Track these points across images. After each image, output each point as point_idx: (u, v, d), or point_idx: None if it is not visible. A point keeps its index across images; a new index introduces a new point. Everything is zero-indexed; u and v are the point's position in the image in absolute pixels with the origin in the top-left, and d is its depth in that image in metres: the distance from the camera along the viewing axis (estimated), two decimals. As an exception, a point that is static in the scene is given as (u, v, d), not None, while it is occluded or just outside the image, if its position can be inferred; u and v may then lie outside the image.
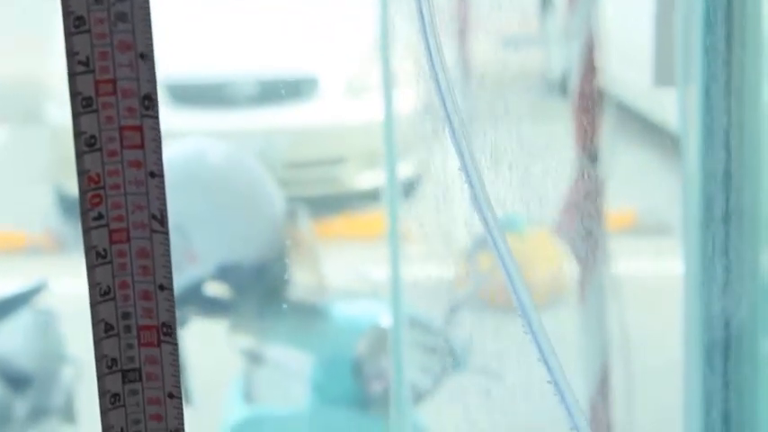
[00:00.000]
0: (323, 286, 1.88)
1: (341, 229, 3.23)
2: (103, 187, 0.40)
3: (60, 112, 3.25)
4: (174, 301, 0.40)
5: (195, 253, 1.71)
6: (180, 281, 1.72)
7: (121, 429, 0.40)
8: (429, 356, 1.80)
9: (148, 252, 0.40)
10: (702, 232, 1.15)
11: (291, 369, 1.83)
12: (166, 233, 0.41)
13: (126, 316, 0.40)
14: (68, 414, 2.26)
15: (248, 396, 1.87)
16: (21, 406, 2.15)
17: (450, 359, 1.81)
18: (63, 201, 3.32)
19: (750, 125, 1.12)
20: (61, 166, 3.25)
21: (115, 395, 0.41)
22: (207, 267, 1.72)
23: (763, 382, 1.19)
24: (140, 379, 0.41)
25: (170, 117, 3.19)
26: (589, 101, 1.77)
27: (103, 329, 0.40)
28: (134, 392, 0.41)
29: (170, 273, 0.40)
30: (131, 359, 0.40)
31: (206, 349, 1.84)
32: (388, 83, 1.78)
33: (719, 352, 1.16)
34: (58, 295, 2.23)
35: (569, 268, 2.59)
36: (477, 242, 2.07)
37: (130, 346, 0.40)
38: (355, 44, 3.49)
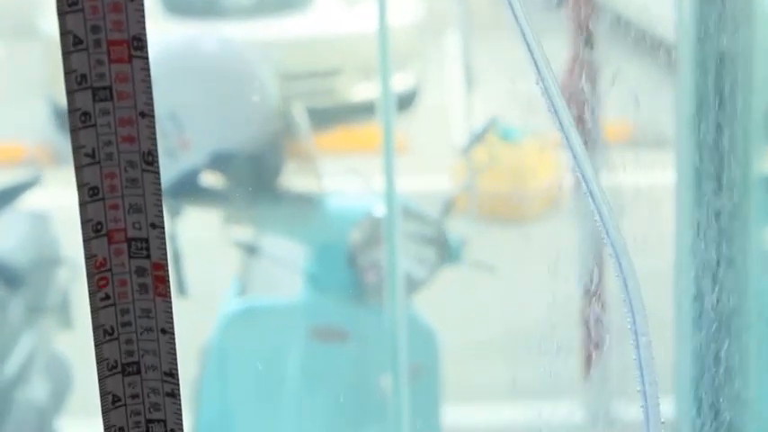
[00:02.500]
0: (321, 185, 1.88)
1: (337, 142, 3.22)
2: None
3: (53, 25, 3.22)
4: (144, 12, 0.39)
5: (188, 140, 1.70)
6: (173, 170, 1.71)
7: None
8: (424, 247, 1.79)
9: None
10: (695, 142, 1.15)
11: (286, 260, 1.83)
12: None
13: (95, 30, 0.39)
14: (64, 315, 2.26)
15: (243, 287, 1.87)
16: (15, 305, 2.15)
17: (445, 250, 1.80)
18: (58, 114, 3.31)
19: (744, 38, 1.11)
20: (56, 80, 3.23)
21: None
22: (200, 155, 1.71)
23: (753, 266, 1.19)
24: (111, 98, 0.40)
25: (164, 27, 3.16)
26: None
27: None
28: (105, 112, 0.40)
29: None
30: (101, 76, 0.40)
31: (201, 241, 1.83)
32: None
33: (712, 247, 1.16)
34: (55, 208, 2.23)
35: (567, 178, 2.58)
36: (473, 137, 2.06)
37: (100, 63, 0.39)
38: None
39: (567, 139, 0.60)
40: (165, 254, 0.41)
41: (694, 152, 1.18)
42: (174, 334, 0.42)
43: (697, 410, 1.15)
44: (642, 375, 0.62)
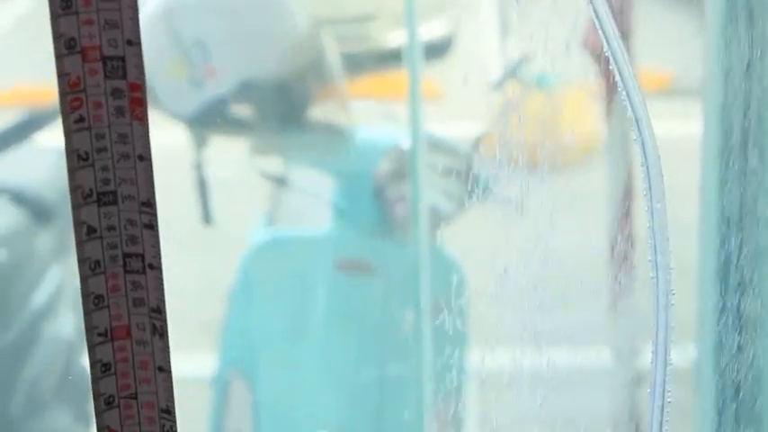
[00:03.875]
0: (349, 117, 1.85)
1: (369, 88, 3.19)
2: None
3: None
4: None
5: (214, 68, 1.68)
6: (200, 98, 1.69)
7: None
8: (453, 181, 1.77)
9: None
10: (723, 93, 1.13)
11: (313, 191, 1.82)
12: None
13: None
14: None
15: (271, 219, 1.85)
16: (44, 238, 2.14)
17: (474, 185, 1.78)
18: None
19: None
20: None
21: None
22: (227, 83, 1.70)
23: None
24: None
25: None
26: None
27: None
28: None
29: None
30: None
31: (228, 171, 1.82)
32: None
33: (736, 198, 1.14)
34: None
35: (601, 127, 2.55)
36: (506, 71, 2.03)
37: None
38: None
39: (623, 83, 0.60)
40: (143, 74, 0.40)
41: (721, 102, 1.16)
42: (151, 162, 0.40)
43: (718, 350, 1.13)
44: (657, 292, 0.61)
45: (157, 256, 0.41)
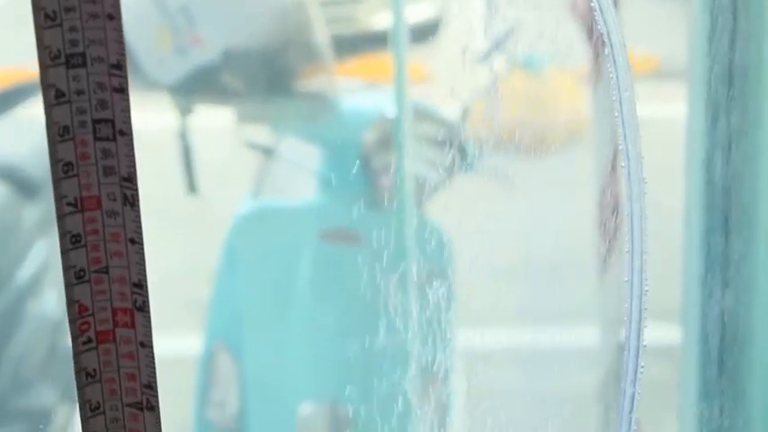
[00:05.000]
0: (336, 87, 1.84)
1: (356, 70, 3.18)
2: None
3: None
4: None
5: (200, 36, 1.67)
6: (185, 66, 1.68)
7: None
8: (439, 150, 1.76)
9: None
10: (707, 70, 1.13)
11: (300, 162, 1.81)
12: None
13: None
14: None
15: (257, 189, 1.84)
16: (29, 213, 2.13)
17: (461, 155, 1.77)
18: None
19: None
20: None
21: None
22: (212, 51, 1.69)
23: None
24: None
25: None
26: None
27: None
28: None
29: None
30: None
31: (214, 141, 1.81)
32: None
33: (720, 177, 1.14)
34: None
35: (588, 108, 2.54)
36: (492, 44, 2.02)
37: None
38: None
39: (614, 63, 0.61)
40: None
41: (706, 81, 1.15)
42: (121, 21, 0.39)
43: (705, 297, 1.13)
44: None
45: (128, 121, 0.40)
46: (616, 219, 1.81)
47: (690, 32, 1.21)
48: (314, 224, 1.76)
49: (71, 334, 0.42)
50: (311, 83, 1.78)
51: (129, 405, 0.43)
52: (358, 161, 1.73)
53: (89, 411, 0.43)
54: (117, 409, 0.43)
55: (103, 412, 0.43)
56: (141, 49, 1.67)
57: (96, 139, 0.40)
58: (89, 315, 0.42)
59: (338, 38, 3.30)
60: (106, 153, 0.40)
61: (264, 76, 1.75)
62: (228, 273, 1.77)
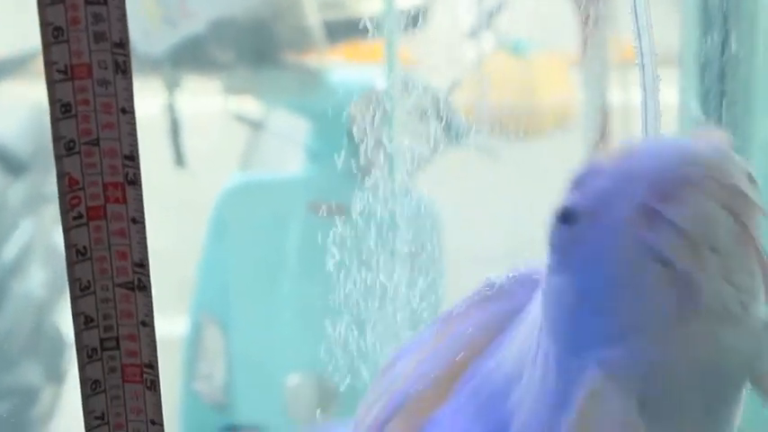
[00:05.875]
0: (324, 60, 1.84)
1: (345, 55, 3.18)
2: None
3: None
4: None
5: (188, 8, 1.66)
6: (173, 37, 1.67)
7: None
8: (428, 123, 1.76)
9: None
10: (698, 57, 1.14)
11: (287, 134, 1.80)
12: None
13: None
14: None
15: (244, 162, 1.84)
16: (15, 191, 2.12)
17: (450, 128, 1.77)
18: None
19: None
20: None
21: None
22: (201, 23, 1.68)
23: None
24: None
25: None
26: None
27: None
28: None
29: None
30: None
31: (201, 114, 1.80)
32: None
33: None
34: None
35: (576, 93, 2.54)
36: (480, 20, 2.02)
37: None
38: None
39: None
40: None
41: (697, 69, 1.16)
42: None
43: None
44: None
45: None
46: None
47: (683, 22, 1.22)
48: (302, 196, 1.75)
49: (61, 209, 0.41)
50: (300, 56, 1.77)
51: (120, 285, 0.42)
52: (346, 133, 1.72)
53: (78, 291, 0.42)
54: (107, 290, 0.42)
55: (94, 292, 0.42)
56: (129, 21, 1.66)
57: (87, 2, 0.39)
58: (79, 189, 0.41)
59: (328, 23, 3.29)
60: (97, 18, 0.40)
61: (253, 48, 1.74)
62: (216, 246, 1.77)
